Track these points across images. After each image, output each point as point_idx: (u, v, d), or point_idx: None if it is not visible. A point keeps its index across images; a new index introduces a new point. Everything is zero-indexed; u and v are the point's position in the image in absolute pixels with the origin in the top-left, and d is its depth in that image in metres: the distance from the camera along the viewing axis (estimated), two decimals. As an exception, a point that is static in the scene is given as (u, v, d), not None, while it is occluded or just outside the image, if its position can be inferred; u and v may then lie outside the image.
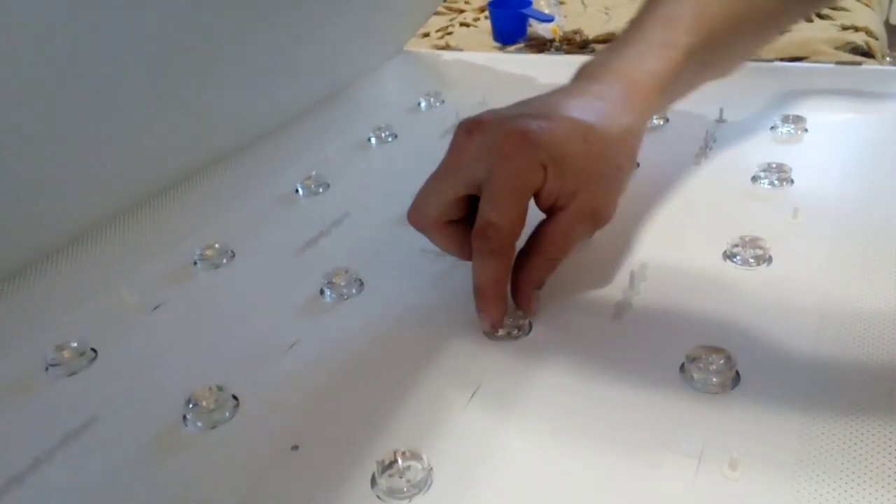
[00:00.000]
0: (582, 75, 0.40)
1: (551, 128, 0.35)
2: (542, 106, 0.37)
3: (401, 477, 0.29)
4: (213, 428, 0.33)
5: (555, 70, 0.68)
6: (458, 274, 0.42)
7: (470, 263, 0.37)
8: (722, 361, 0.33)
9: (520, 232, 0.36)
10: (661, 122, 0.58)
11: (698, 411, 0.31)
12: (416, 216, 0.38)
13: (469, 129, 0.37)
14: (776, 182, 0.48)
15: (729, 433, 0.30)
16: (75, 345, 0.38)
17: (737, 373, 0.33)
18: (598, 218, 0.37)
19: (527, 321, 0.37)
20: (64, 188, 0.47)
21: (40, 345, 0.38)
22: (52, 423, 0.34)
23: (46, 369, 0.38)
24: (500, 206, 0.35)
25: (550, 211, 0.37)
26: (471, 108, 0.64)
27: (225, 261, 0.46)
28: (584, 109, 0.37)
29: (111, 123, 0.49)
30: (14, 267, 0.44)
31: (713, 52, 0.42)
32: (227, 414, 0.34)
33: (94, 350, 0.39)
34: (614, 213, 0.37)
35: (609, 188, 0.37)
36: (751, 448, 0.29)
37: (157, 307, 0.42)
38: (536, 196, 0.36)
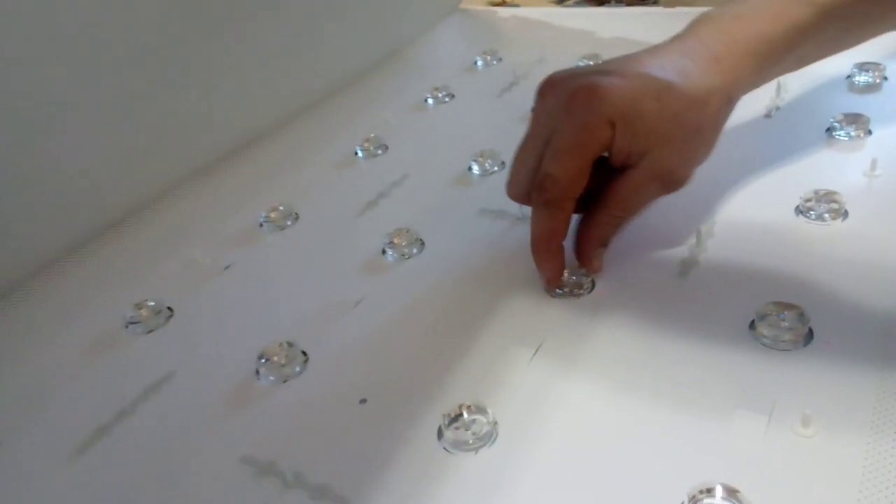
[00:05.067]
0: (687, 29, 0.38)
1: (623, 84, 0.34)
2: (619, 63, 0.36)
3: (466, 430, 0.30)
4: (284, 382, 0.34)
5: (615, 24, 0.66)
6: (517, 233, 0.42)
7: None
8: (794, 317, 0.32)
9: (579, 188, 0.35)
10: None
11: (769, 368, 0.31)
12: (512, 191, 0.38)
13: (542, 92, 0.37)
14: (853, 133, 0.45)
15: (801, 391, 0.29)
16: (152, 303, 0.40)
17: (810, 329, 0.32)
18: (669, 181, 0.36)
19: (590, 279, 0.37)
20: (137, 158, 0.49)
21: (120, 304, 0.40)
22: (134, 378, 0.36)
23: (126, 326, 0.39)
24: (560, 160, 0.35)
25: (622, 169, 0.36)
26: (529, 65, 0.63)
27: (289, 223, 0.47)
28: (664, 67, 0.35)
29: (178, 92, 0.50)
30: (94, 231, 0.47)
31: (858, 16, 0.38)
32: (298, 369, 0.35)
33: (170, 308, 0.40)
34: (689, 177, 0.36)
35: (684, 151, 0.35)
36: (825, 406, 0.28)
37: (227, 267, 0.44)
38: (608, 154, 0.35)
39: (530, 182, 0.36)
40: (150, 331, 0.39)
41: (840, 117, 0.46)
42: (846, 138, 0.45)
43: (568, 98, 0.35)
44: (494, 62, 0.65)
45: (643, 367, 0.32)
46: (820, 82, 0.52)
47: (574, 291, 0.37)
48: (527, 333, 0.35)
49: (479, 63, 0.66)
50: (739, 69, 0.36)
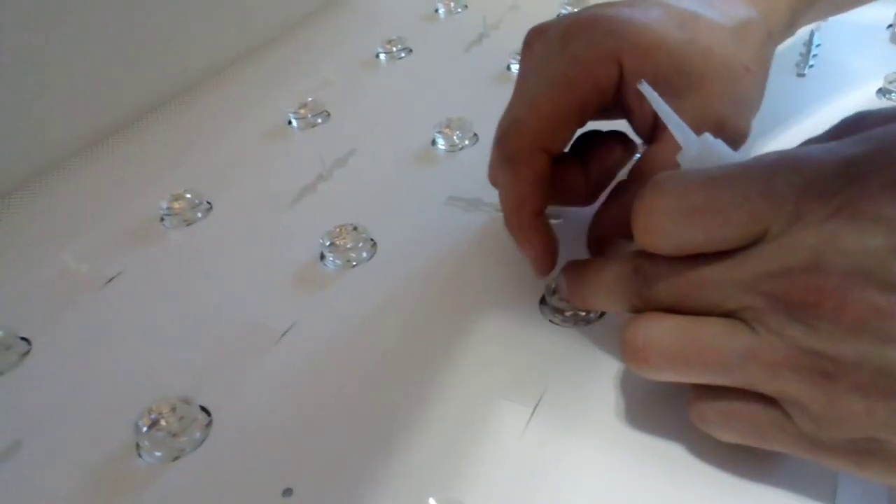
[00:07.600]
0: None
1: (633, 13, 0.26)
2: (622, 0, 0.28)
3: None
4: (175, 459, 0.24)
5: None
6: (499, 228, 0.32)
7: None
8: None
9: (556, 139, 0.26)
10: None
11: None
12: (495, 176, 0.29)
13: (529, 42, 0.28)
14: (913, 97, 0.37)
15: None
16: None
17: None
18: (724, 135, 0.24)
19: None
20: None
21: (-47, 338, 0.29)
22: (-41, 454, 0.25)
23: (-40, 371, 0.28)
24: (533, 100, 0.26)
25: (654, 133, 0.26)
26: (500, 13, 0.53)
27: (199, 215, 0.36)
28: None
29: (43, 47, 0.38)
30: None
31: None
32: (197, 435, 0.25)
33: (24, 340, 0.30)
34: (748, 132, 0.26)
35: (734, 93, 0.26)
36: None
37: (111, 280, 0.33)
38: (628, 111, 0.26)
39: None
40: (-6, 376, 0.28)
41: (894, 77, 0.37)
42: (906, 103, 0.36)
43: (561, 35, 0.26)
44: (459, 9, 0.56)
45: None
46: (856, 33, 0.43)
47: (581, 315, 0.27)
48: (519, 382, 0.25)
49: (441, 10, 0.56)
50: (775, 3, 0.29)
